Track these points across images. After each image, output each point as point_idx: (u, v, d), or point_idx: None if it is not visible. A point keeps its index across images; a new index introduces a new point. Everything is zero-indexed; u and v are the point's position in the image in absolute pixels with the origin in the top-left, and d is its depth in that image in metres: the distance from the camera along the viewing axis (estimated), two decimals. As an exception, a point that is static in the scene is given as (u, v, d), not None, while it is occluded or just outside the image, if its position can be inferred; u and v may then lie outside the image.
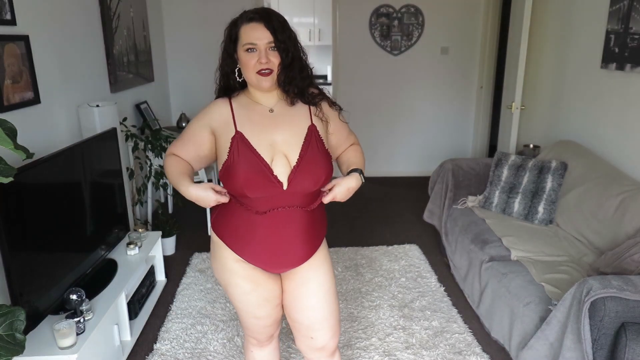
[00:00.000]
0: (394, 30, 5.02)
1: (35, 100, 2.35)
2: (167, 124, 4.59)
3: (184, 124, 4.12)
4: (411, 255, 3.37)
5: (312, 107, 1.50)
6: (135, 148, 3.30)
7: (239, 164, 1.39)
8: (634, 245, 2.02)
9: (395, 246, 3.51)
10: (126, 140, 3.29)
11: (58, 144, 2.50)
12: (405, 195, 4.71)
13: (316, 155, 1.44)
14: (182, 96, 4.98)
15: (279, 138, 1.43)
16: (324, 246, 1.61)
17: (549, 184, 2.90)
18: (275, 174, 1.40)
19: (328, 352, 1.63)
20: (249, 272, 1.51)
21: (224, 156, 1.43)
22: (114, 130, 2.71)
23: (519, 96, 3.56)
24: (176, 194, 3.93)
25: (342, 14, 5.01)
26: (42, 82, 2.42)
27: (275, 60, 1.40)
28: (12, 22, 2.18)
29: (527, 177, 2.98)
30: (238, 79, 1.47)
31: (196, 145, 1.48)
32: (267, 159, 1.40)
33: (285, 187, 1.41)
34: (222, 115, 1.46)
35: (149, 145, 3.35)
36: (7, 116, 2.07)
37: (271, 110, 1.47)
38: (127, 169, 3.23)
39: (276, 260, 1.51)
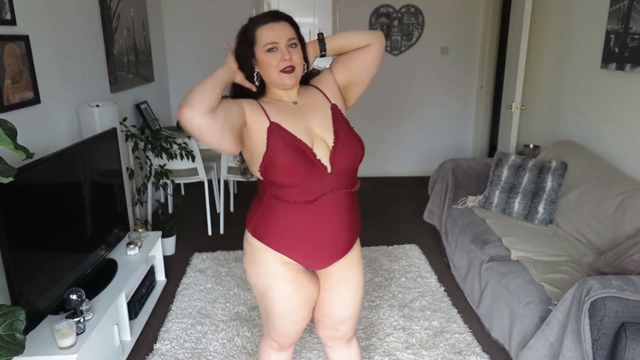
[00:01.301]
0: (394, 30, 5.02)
1: (35, 100, 2.35)
2: (167, 124, 4.59)
3: (184, 124, 4.11)
4: (411, 255, 3.37)
5: (324, 89, 1.52)
6: (135, 148, 3.30)
7: (281, 151, 1.37)
8: (634, 245, 2.02)
9: (395, 246, 3.51)
10: (126, 140, 3.29)
11: (58, 144, 2.50)
12: (405, 195, 4.71)
13: (347, 133, 1.47)
14: (182, 96, 4.96)
15: (312, 124, 1.45)
16: (358, 243, 1.64)
17: (549, 184, 2.90)
18: (318, 157, 1.41)
19: (345, 339, 1.72)
20: (293, 275, 1.50)
21: (261, 148, 1.38)
22: (114, 130, 2.71)
23: (519, 96, 3.56)
24: (176, 194, 3.94)
25: (342, 14, 5.01)
26: (42, 82, 2.42)
27: (296, 57, 1.41)
28: (12, 22, 2.18)
29: (527, 177, 2.98)
30: (256, 82, 1.46)
31: (227, 107, 1.31)
32: (309, 144, 1.41)
33: (329, 170, 1.42)
34: (252, 108, 1.42)
35: (149, 145, 3.35)
36: (7, 116, 2.07)
37: (295, 103, 1.48)
38: (127, 169, 3.23)
39: (321, 252, 1.50)
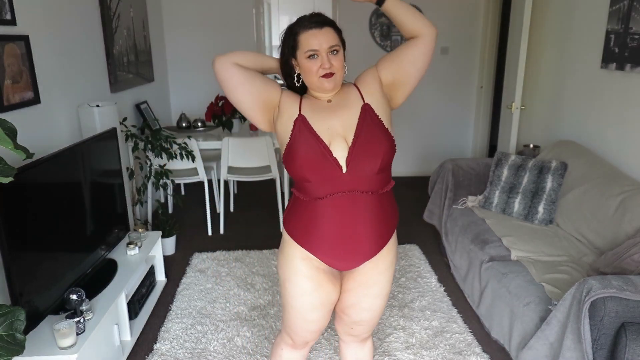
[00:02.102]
0: (394, 30, 5.02)
1: (35, 100, 2.35)
2: (167, 124, 4.59)
3: (184, 124, 4.12)
4: (411, 255, 3.37)
5: (362, 87, 1.51)
6: (135, 148, 3.31)
7: (299, 144, 1.42)
8: (634, 245, 2.02)
9: (395, 246, 3.51)
10: (126, 140, 3.29)
11: (58, 144, 2.50)
12: (405, 195, 4.71)
13: (372, 134, 1.43)
14: (182, 96, 4.99)
15: (337, 122, 1.45)
16: (394, 247, 1.60)
17: (549, 184, 2.90)
18: (334, 156, 1.41)
19: (360, 339, 1.73)
20: (312, 272, 1.51)
21: (286, 136, 1.45)
22: (114, 130, 2.71)
23: (519, 96, 3.56)
24: (176, 194, 3.94)
25: (342, 14, 5.01)
26: (42, 82, 2.43)
27: (336, 63, 1.43)
28: (12, 22, 2.18)
29: (527, 177, 2.98)
30: (297, 84, 1.51)
31: (257, 77, 1.47)
32: (326, 141, 1.42)
33: (344, 170, 1.42)
34: (291, 96, 1.50)
35: (149, 145, 3.35)
36: (7, 116, 2.07)
37: (329, 101, 1.50)
38: (127, 169, 3.24)
39: (343, 252, 1.49)
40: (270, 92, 1.47)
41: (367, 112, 1.46)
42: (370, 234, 1.48)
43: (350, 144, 1.42)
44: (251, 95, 1.45)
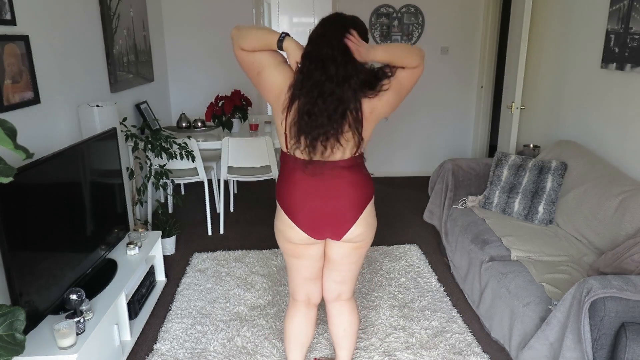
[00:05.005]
0: (394, 30, 5.02)
1: (35, 100, 2.35)
2: (167, 124, 4.60)
3: (184, 124, 4.12)
4: (411, 255, 3.37)
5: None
6: (135, 148, 3.31)
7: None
8: (634, 245, 2.02)
9: (395, 246, 3.52)
10: (126, 140, 3.29)
11: (58, 144, 2.50)
12: (405, 195, 4.71)
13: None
14: (182, 96, 4.99)
15: None
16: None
17: (549, 184, 2.90)
18: None
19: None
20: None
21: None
22: (114, 130, 2.71)
23: (519, 96, 3.56)
24: (176, 194, 3.94)
25: (342, 14, 5.00)
26: (42, 82, 2.43)
27: None
28: (12, 22, 2.18)
29: (527, 177, 2.98)
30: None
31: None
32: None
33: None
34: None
35: (149, 145, 3.35)
36: (7, 116, 2.08)
37: None
38: (127, 169, 3.24)
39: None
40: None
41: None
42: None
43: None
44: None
